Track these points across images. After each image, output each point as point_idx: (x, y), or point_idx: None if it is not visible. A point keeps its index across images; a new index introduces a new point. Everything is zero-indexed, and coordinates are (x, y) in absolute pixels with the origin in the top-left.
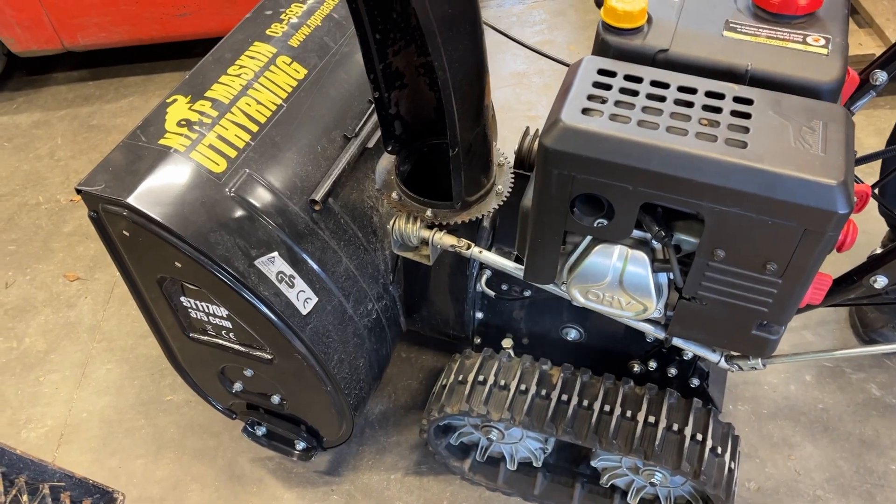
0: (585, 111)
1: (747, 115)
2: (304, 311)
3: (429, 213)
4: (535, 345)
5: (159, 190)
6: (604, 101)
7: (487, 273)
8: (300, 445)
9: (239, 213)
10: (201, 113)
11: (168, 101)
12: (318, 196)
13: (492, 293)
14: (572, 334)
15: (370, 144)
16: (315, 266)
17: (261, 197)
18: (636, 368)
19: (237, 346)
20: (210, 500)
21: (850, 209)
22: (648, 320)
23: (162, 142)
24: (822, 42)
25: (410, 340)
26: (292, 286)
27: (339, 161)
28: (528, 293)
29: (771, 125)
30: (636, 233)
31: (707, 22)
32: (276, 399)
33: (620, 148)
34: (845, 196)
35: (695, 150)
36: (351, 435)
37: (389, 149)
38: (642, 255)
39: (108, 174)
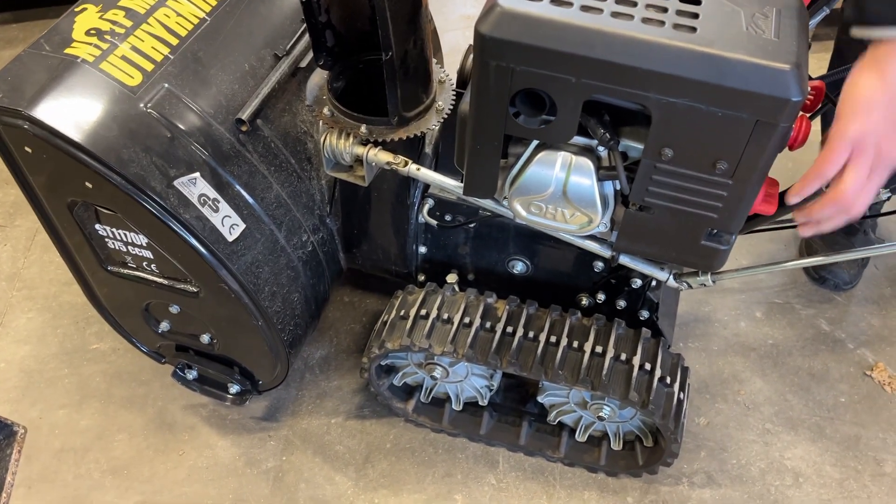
0: None
1: (697, 2)
2: (231, 238)
3: (363, 129)
4: (481, 280)
5: (64, 101)
6: None
7: (430, 202)
8: (234, 389)
9: (156, 129)
10: (114, 22)
11: (77, 9)
12: (245, 115)
13: (434, 223)
14: (519, 267)
15: (303, 64)
16: (242, 190)
17: (181, 114)
18: (584, 301)
19: (160, 280)
20: (138, 450)
21: (803, 97)
22: (594, 238)
23: (68, 51)
24: None
25: (354, 284)
26: (216, 210)
27: (269, 80)
28: (472, 224)
29: (722, 11)
30: (581, 140)
31: None
32: (205, 338)
33: (563, 34)
34: (798, 82)
35: (641, 35)
36: (286, 376)
37: (321, 63)
38: (587, 163)
39: (7, 84)
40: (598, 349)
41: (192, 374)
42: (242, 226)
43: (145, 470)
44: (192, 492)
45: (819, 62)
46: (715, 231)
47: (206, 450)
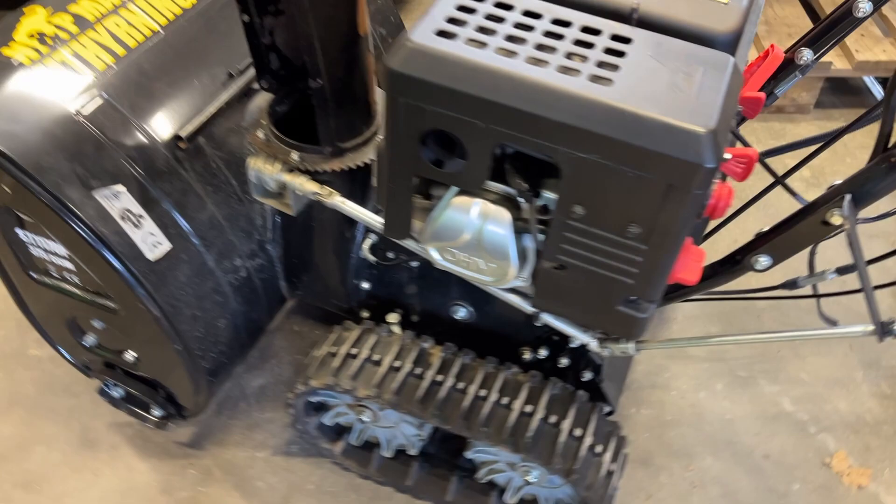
0: (441, 33)
1: (621, 54)
2: (152, 257)
3: (294, 156)
4: (425, 323)
5: None
6: (464, 25)
7: (373, 237)
8: (156, 412)
9: (84, 138)
10: (59, 27)
11: (25, 9)
12: (185, 132)
13: (374, 260)
14: (461, 313)
15: (257, 86)
16: (172, 209)
17: (113, 125)
18: (527, 356)
19: (81, 293)
20: (55, 465)
21: (717, 164)
22: (517, 292)
23: (4, 51)
24: None
25: (306, 313)
26: (139, 227)
27: (217, 99)
28: (415, 263)
29: (645, 66)
30: (500, 187)
31: None
32: (129, 357)
33: (471, 76)
34: (713, 148)
35: (550, 82)
36: (207, 404)
37: (266, 85)
38: (503, 212)
39: None
40: (528, 408)
41: (118, 392)
42: (168, 246)
43: (58, 487)
44: None
45: (818, 130)
46: (633, 298)
47: (125, 472)
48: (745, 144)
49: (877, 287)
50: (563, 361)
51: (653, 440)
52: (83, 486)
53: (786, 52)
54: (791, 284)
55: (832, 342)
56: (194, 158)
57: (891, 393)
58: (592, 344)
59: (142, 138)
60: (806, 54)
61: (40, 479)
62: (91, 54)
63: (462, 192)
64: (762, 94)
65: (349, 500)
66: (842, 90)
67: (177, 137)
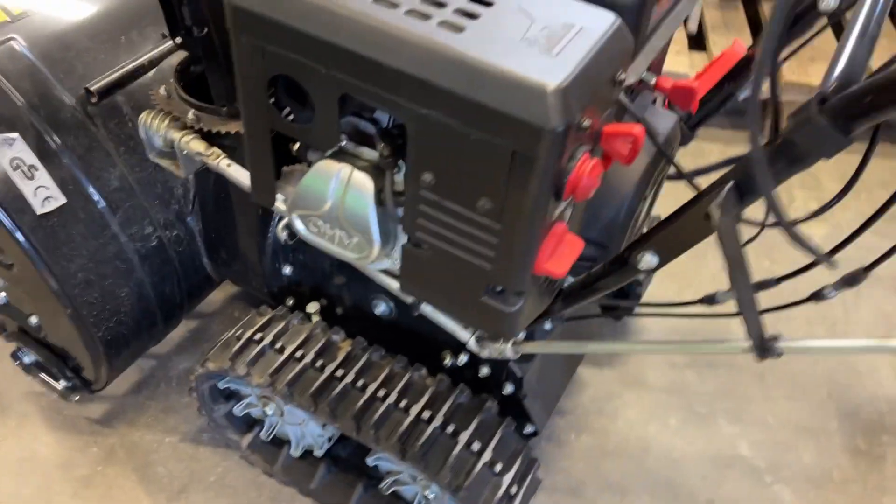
0: None
1: (489, 4)
2: (40, 211)
3: (191, 114)
4: (348, 317)
5: None
6: None
7: None
8: (62, 383)
9: None
10: None
11: None
12: (97, 86)
13: (285, 239)
14: (382, 308)
15: None
16: (73, 164)
17: (19, 70)
18: (447, 361)
19: None
20: None
21: (566, 126)
22: (390, 273)
23: None
24: None
25: (250, 300)
26: (31, 178)
27: (141, 56)
28: None
29: (510, 18)
30: (372, 153)
31: None
32: (34, 320)
33: (309, 12)
34: (561, 108)
35: (394, 24)
36: (111, 378)
37: (179, 41)
38: (365, 179)
39: None
40: (426, 414)
41: (29, 359)
42: (62, 201)
43: None
44: None
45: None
46: (498, 288)
47: (28, 441)
48: (638, 121)
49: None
50: (484, 371)
51: (588, 470)
52: None
53: (749, 48)
54: (710, 300)
55: (808, 385)
56: (109, 115)
57: (866, 449)
58: (471, 342)
59: (48, 87)
60: None
61: None
62: None
63: (333, 157)
64: (694, 84)
65: (249, 497)
66: None
67: (87, 91)
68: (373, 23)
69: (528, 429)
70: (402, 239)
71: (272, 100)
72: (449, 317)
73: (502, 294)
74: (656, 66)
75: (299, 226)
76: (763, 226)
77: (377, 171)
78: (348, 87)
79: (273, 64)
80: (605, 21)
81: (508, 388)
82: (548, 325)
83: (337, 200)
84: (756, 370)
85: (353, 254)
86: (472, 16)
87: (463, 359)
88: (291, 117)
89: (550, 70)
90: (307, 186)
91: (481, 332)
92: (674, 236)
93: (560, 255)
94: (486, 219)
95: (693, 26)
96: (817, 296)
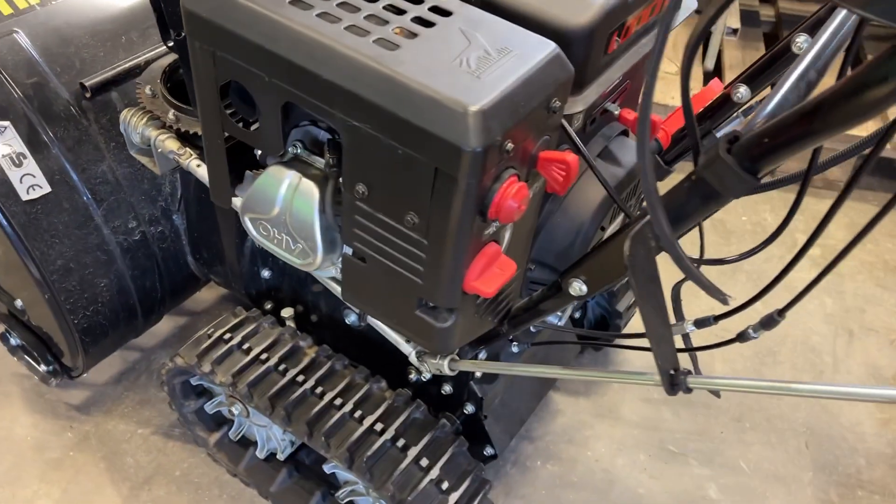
0: None
1: (429, 24)
2: (25, 197)
3: (171, 114)
4: (322, 324)
5: None
6: None
7: None
8: (43, 367)
9: None
10: None
11: None
12: (91, 82)
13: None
14: (351, 317)
15: None
16: (62, 154)
17: (17, 61)
18: (412, 376)
19: None
20: None
21: (485, 147)
22: (337, 281)
23: None
24: None
25: (239, 302)
26: (18, 165)
27: (139, 56)
28: None
29: (448, 40)
30: (320, 161)
31: None
32: (19, 303)
33: (253, 20)
34: (480, 129)
35: (331, 38)
36: (88, 366)
37: (170, 44)
38: (310, 187)
39: None
40: (378, 426)
41: (15, 341)
42: (47, 189)
43: None
44: None
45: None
46: (430, 304)
47: (7, 421)
48: (581, 154)
49: (714, 346)
50: (447, 388)
51: (549, 499)
52: None
53: (725, 87)
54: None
55: (786, 433)
56: (102, 110)
57: (838, 503)
58: (412, 356)
59: (44, 79)
60: (742, 90)
61: None
62: None
63: (286, 164)
64: (657, 118)
65: (212, 494)
66: (883, 171)
67: (81, 85)
68: (312, 35)
69: (489, 450)
70: (346, 249)
71: (228, 104)
72: (391, 329)
73: (435, 309)
74: (625, 97)
75: (250, 227)
76: (698, 260)
77: (324, 181)
78: (289, 96)
79: (223, 69)
80: (541, 49)
81: (469, 408)
82: (515, 349)
83: (285, 206)
84: (734, 413)
85: (298, 259)
86: (411, 34)
87: (427, 375)
88: (255, 125)
89: (474, 92)
90: (258, 190)
91: (421, 347)
92: (599, 266)
93: (490, 275)
94: (414, 233)
95: (710, 64)
96: (742, 336)
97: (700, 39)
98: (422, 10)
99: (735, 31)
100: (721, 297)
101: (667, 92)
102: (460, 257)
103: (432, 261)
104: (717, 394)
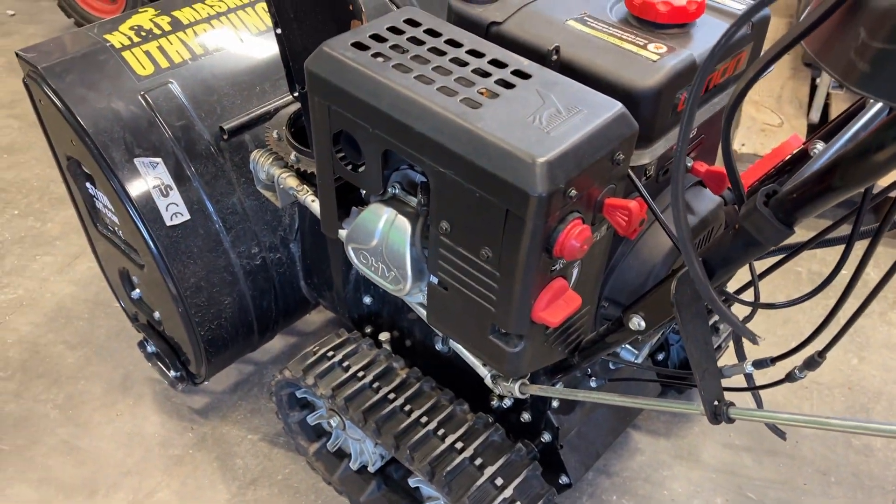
0: (357, 45)
1: (510, 86)
2: (169, 223)
3: (293, 156)
4: (415, 349)
5: (75, 70)
6: (383, 42)
7: None
8: (172, 373)
9: (140, 112)
10: (157, 25)
11: (141, 10)
12: (229, 125)
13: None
14: (440, 344)
15: None
16: (200, 187)
17: (170, 107)
18: (494, 402)
19: (121, 245)
20: (90, 398)
21: (549, 193)
22: (423, 305)
23: (107, 36)
24: (664, 50)
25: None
26: (166, 195)
27: (269, 104)
28: None
29: (525, 99)
30: (415, 201)
31: (563, 10)
32: (157, 315)
33: (361, 81)
34: (546, 179)
35: (423, 96)
36: (210, 374)
37: (296, 95)
38: (404, 222)
39: (46, 47)
40: (459, 444)
41: (151, 349)
42: (187, 217)
43: (84, 415)
44: (101, 447)
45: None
46: (503, 330)
47: (139, 419)
48: (644, 198)
49: (764, 386)
50: (525, 416)
51: None
52: (103, 421)
53: (804, 143)
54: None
55: (874, 490)
56: (236, 150)
57: None
58: (487, 378)
59: (190, 123)
60: (819, 147)
61: (76, 405)
62: (174, 49)
63: (385, 202)
64: (721, 170)
65: (308, 499)
66: None
67: (220, 129)
68: (409, 94)
69: (564, 479)
70: (431, 277)
71: (339, 150)
72: (469, 352)
73: (506, 335)
74: (700, 150)
75: (352, 256)
76: (754, 304)
77: (416, 217)
78: (388, 144)
79: (336, 120)
80: (607, 108)
81: (546, 437)
82: (593, 383)
83: (382, 238)
84: (820, 465)
85: (391, 285)
86: (494, 94)
87: (507, 402)
88: (361, 168)
89: (542, 145)
90: (361, 224)
91: (495, 371)
92: (655, 304)
93: (556, 307)
94: (488, 266)
95: (815, 116)
96: (790, 377)
97: (736, 107)
98: (505, 73)
99: (841, 86)
100: (751, 337)
101: (766, 143)
102: (528, 288)
103: (503, 291)
104: (782, 435)
